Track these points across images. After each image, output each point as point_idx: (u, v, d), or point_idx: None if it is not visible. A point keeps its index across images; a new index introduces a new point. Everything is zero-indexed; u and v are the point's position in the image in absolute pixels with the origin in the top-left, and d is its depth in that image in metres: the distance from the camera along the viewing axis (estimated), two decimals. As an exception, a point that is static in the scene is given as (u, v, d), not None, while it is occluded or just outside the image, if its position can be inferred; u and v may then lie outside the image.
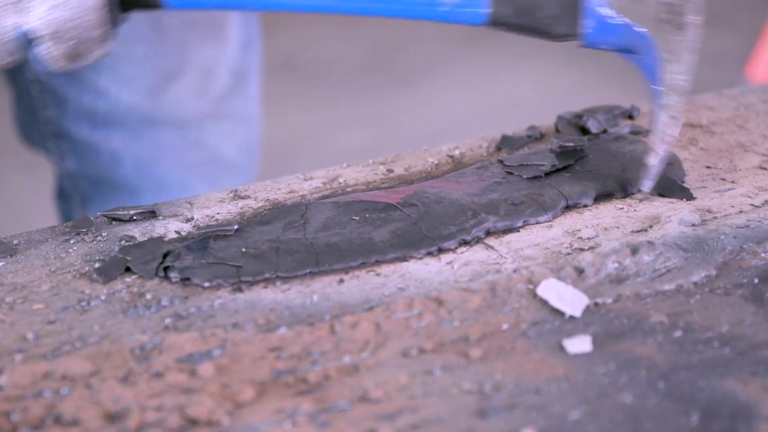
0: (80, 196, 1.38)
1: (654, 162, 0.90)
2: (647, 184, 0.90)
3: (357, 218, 0.87)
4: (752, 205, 0.90)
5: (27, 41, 0.88)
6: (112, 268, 0.82)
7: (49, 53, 0.88)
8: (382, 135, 2.82)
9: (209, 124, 1.37)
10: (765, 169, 0.97)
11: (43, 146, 1.40)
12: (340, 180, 0.95)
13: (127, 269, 0.83)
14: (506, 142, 1.01)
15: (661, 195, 0.91)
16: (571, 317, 0.77)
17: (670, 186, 0.91)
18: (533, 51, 2.88)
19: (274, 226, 0.86)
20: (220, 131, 1.38)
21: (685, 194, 0.91)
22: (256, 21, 1.40)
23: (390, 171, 0.97)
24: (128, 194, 1.36)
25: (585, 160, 0.95)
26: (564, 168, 0.94)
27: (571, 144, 0.96)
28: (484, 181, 0.92)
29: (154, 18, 1.24)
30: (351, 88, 3.06)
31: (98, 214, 0.89)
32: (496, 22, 0.89)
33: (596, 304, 0.79)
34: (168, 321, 0.77)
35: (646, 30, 0.89)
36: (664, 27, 0.88)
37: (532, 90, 2.94)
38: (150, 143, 1.34)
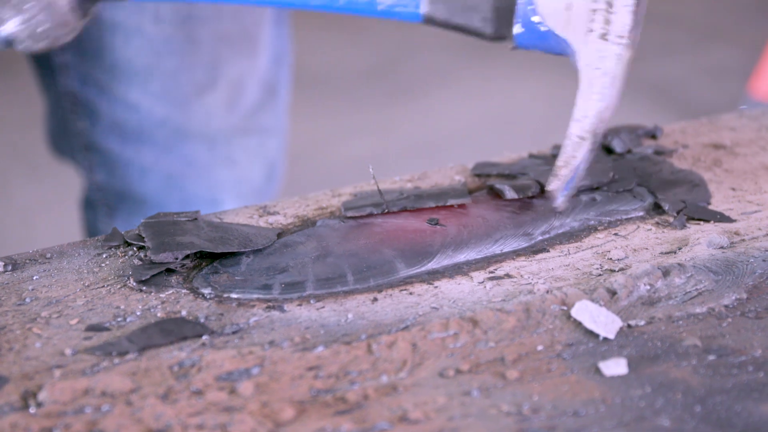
0: (107, 207, 1.39)
1: (554, 183, 0.90)
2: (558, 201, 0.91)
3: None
4: (779, 228, 0.91)
5: (5, 41, 0.93)
6: (154, 276, 0.83)
7: (26, 47, 0.92)
8: (386, 144, 2.82)
9: (239, 138, 1.38)
10: (789, 190, 0.98)
11: (72, 158, 1.41)
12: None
13: (170, 272, 0.83)
14: (533, 159, 1.02)
15: (697, 219, 0.91)
16: (605, 339, 0.78)
17: (703, 211, 0.92)
18: (540, 62, 2.89)
19: (306, 247, 0.87)
20: (250, 146, 1.39)
21: (723, 218, 0.91)
22: (287, 35, 1.41)
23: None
24: (155, 209, 1.36)
25: (614, 182, 0.96)
26: (595, 188, 0.95)
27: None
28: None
29: (186, 31, 1.25)
30: (354, 96, 3.07)
31: (141, 221, 0.89)
32: (430, 21, 0.91)
33: (629, 326, 0.79)
34: (205, 338, 0.77)
35: (566, 39, 0.88)
36: (591, 36, 0.87)
37: (540, 101, 2.95)
38: (179, 158, 1.35)
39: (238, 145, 1.39)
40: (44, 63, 1.36)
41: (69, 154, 1.42)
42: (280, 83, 1.40)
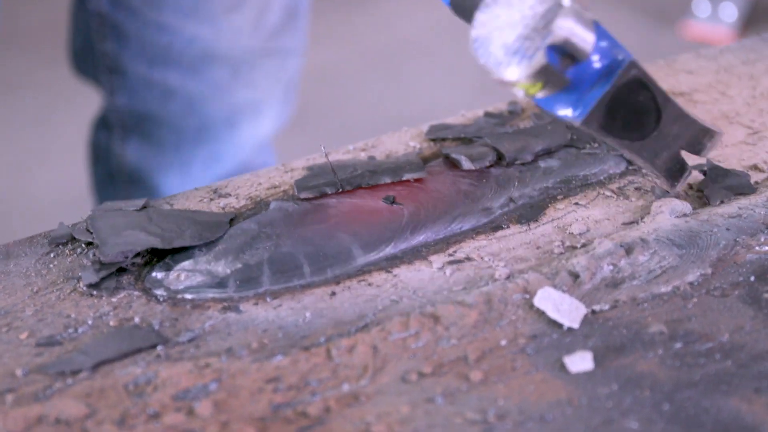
0: (122, 129, 1.41)
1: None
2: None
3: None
4: (742, 189, 0.89)
5: None
6: (105, 279, 0.81)
7: None
8: (348, 53, 2.78)
9: (261, 60, 1.41)
10: (750, 144, 0.96)
11: (95, 78, 1.43)
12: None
13: (121, 271, 0.81)
14: (489, 119, 0.99)
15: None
16: (570, 329, 0.76)
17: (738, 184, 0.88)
18: None
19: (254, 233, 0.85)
20: (270, 68, 1.42)
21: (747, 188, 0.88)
22: None
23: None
24: (172, 132, 1.40)
25: (571, 145, 0.94)
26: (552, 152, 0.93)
27: None
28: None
29: None
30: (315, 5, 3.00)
31: (90, 212, 0.87)
32: None
33: (593, 311, 0.78)
34: (160, 349, 0.75)
35: None
36: None
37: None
38: (203, 81, 1.38)
39: (260, 66, 1.42)
40: None
41: (92, 74, 1.44)
42: (301, 4, 1.42)
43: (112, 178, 1.48)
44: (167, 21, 1.35)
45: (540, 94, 0.78)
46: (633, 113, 0.80)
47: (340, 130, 2.52)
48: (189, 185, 1.44)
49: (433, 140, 0.96)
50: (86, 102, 2.02)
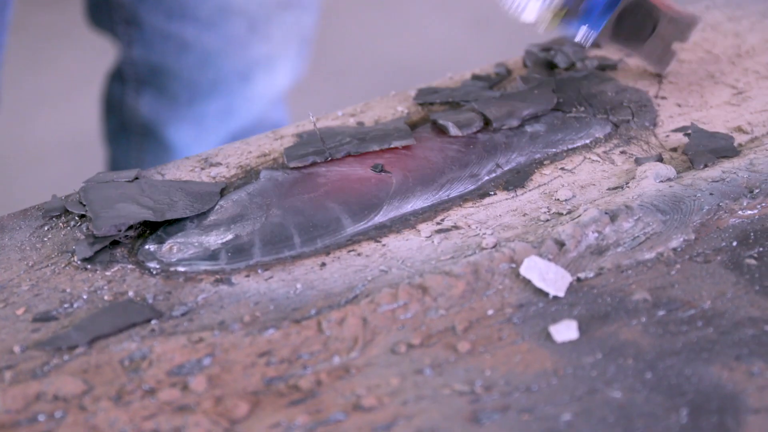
0: (136, 82, 1.43)
1: None
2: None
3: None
4: (726, 151, 0.91)
5: None
6: (99, 253, 0.82)
7: None
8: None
9: (277, 13, 1.42)
10: (735, 105, 0.97)
11: (111, 30, 1.44)
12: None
13: (114, 244, 0.82)
14: (476, 82, 1.00)
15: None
16: (555, 297, 0.78)
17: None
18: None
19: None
20: (286, 22, 1.43)
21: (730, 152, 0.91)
22: None
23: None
24: (186, 86, 1.42)
25: (558, 109, 0.95)
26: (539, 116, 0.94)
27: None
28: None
29: None
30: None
31: (82, 184, 0.88)
32: None
33: (579, 279, 0.79)
34: (154, 323, 0.77)
35: None
36: None
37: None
38: (220, 34, 1.38)
39: (276, 20, 1.43)
40: None
41: (108, 27, 1.45)
42: None
43: (125, 129, 1.49)
44: None
45: (558, 26, 0.95)
46: (634, 25, 0.97)
47: (335, 64, 2.52)
48: (202, 139, 1.46)
49: (421, 104, 0.97)
50: (94, 46, 2.03)
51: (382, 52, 2.63)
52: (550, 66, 1.01)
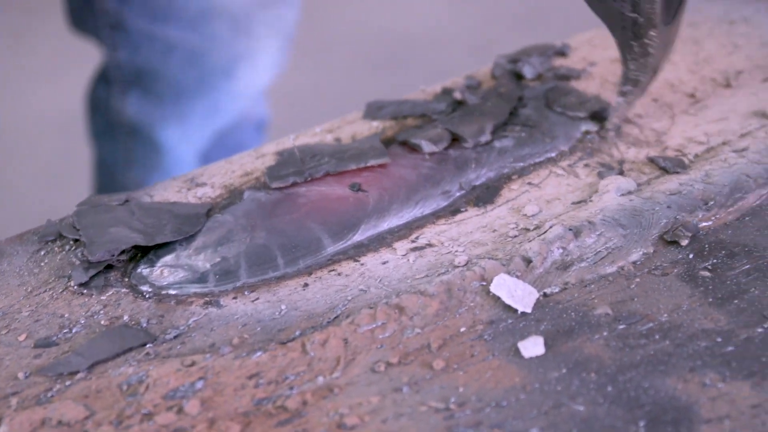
0: (122, 84, 1.46)
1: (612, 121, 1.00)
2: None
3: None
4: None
5: None
6: (94, 277, 0.87)
7: None
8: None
9: (259, 10, 1.46)
10: (692, 114, 1.02)
11: (96, 35, 1.47)
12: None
13: (108, 267, 0.87)
14: (446, 95, 1.05)
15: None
16: (523, 313, 0.83)
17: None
18: None
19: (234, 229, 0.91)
20: (268, 19, 1.47)
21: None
22: None
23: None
24: (172, 86, 1.45)
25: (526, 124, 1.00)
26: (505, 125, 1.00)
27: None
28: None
29: None
30: None
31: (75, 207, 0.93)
32: None
33: (545, 294, 0.85)
34: (149, 347, 0.82)
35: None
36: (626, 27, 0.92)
37: None
38: (204, 34, 1.42)
39: (258, 17, 1.46)
40: None
41: (92, 31, 1.48)
42: None
43: (111, 129, 1.53)
44: None
45: None
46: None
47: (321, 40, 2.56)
48: (189, 136, 1.50)
49: (394, 119, 1.02)
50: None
51: (368, 24, 2.67)
52: (518, 77, 1.06)
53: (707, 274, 0.86)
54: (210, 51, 1.47)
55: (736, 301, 0.83)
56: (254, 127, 1.59)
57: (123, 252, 0.89)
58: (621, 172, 0.95)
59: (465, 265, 0.87)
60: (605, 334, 0.81)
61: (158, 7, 1.42)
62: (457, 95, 1.02)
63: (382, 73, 2.52)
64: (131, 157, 1.52)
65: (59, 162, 2.44)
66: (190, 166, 1.53)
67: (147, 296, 0.86)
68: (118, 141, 1.53)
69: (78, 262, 0.89)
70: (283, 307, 0.85)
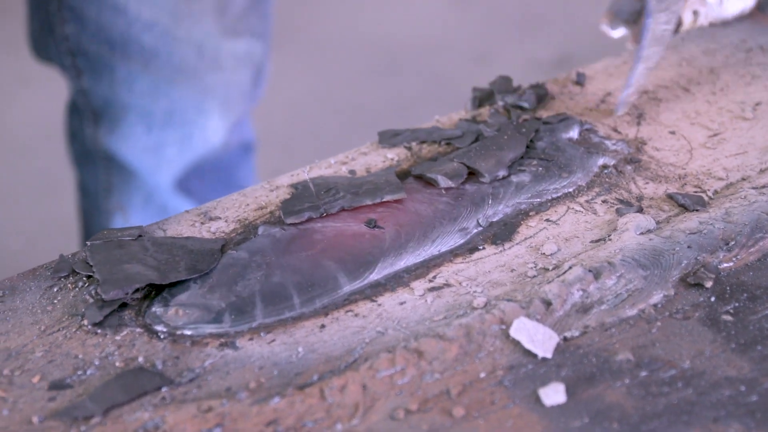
0: (92, 113, 1.43)
1: (622, 103, 1.03)
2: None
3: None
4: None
5: None
6: (108, 316, 0.86)
7: None
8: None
9: (227, 42, 1.42)
10: (710, 148, 1.01)
11: (58, 62, 1.44)
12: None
13: (122, 305, 0.86)
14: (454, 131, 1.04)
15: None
16: (544, 358, 0.82)
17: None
18: None
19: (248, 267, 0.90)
20: (238, 50, 1.43)
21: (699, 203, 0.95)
22: None
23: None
24: (140, 116, 1.42)
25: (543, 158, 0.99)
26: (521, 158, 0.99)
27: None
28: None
29: None
30: None
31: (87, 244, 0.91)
32: None
33: (565, 338, 0.84)
34: (164, 391, 0.81)
35: None
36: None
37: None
38: (166, 63, 1.38)
39: (227, 49, 1.43)
40: None
41: (55, 58, 1.45)
42: None
43: (89, 156, 1.51)
44: (124, 4, 1.36)
45: None
46: None
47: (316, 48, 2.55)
48: (164, 167, 1.48)
49: (408, 148, 1.01)
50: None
51: (368, 32, 2.66)
52: (511, 108, 1.05)
53: (729, 318, 0.85)
54: (177, 81, 1.43)
55: (759, 347, 0.82)
56: (241, 149, 1.56)
57: (137, 290, 0.88)
58: (640, 209, 0.94)
59: (484, 306, 0.86)
60: (627, 381, 0.81)
61: (115, 34, 1.38)
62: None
63: (381, 80, 2.51)
64: (110, 183, 1.50)
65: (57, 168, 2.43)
66: (171, 193, 1.50)
67: (162, 336, 0.85)
68: (98, 167, 1.50)
69: (92, 300, 0.88)
70: (300, 349, 0.84)
